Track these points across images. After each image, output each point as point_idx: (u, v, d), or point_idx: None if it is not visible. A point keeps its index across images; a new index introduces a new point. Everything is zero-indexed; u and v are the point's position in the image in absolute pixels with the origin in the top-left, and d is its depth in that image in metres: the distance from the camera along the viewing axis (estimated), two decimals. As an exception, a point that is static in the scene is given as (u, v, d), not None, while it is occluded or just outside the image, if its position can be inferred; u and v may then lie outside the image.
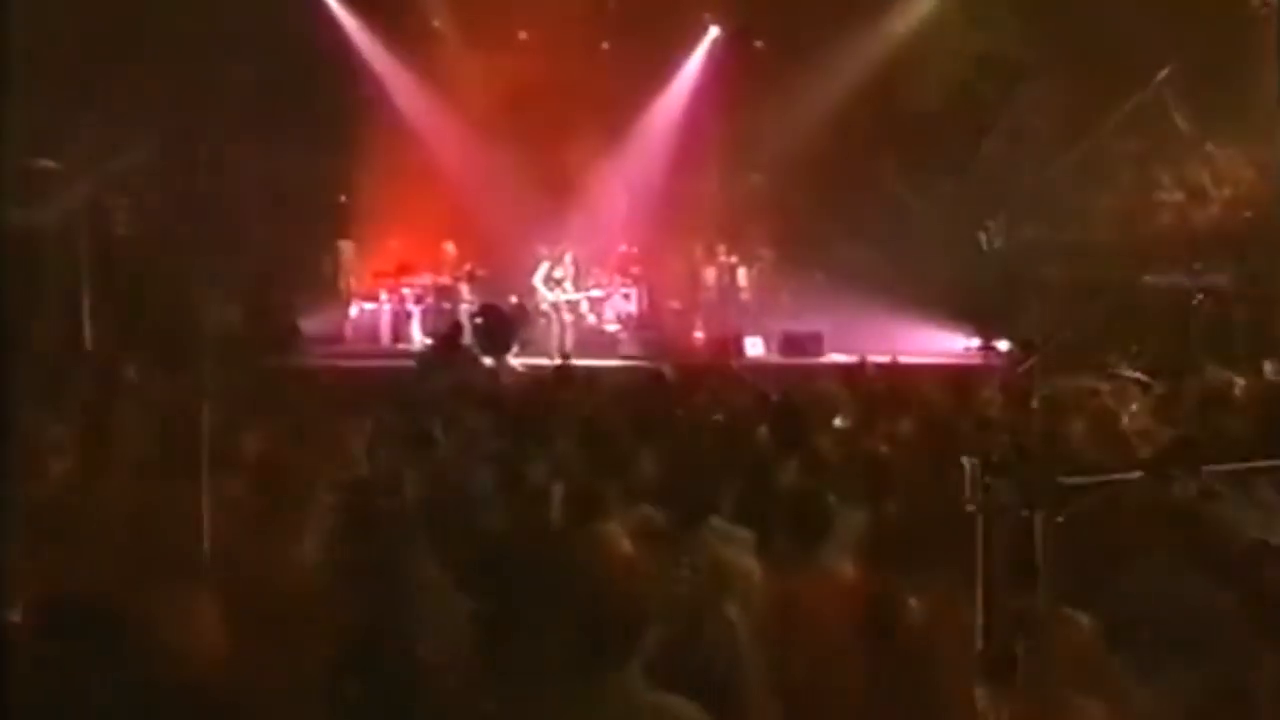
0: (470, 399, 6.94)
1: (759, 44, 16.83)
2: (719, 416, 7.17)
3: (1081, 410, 6.92)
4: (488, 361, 10.78)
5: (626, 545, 3.47)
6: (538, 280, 13.89)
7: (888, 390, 7.41)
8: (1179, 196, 16.10)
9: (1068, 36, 15.07)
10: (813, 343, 14.08)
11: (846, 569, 3.71)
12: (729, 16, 16.76)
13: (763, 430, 6.30)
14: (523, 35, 16.17)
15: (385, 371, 9.37)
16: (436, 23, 16.13)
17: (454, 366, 9.10)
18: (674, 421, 6.26)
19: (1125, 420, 6.54)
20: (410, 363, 10.58)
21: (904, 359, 13.06)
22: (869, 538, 3.93)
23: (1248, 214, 15.04)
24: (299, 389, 7.17)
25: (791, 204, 16.73)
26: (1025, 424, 5.67)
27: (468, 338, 11.85)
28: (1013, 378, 10.52)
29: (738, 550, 3.65)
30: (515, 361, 11.73)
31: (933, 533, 3.62)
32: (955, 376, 10.22)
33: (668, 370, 9.69)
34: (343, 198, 15.70)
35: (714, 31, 16.94)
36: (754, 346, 14.34)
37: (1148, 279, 14.56)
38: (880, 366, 10.86)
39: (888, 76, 15.66)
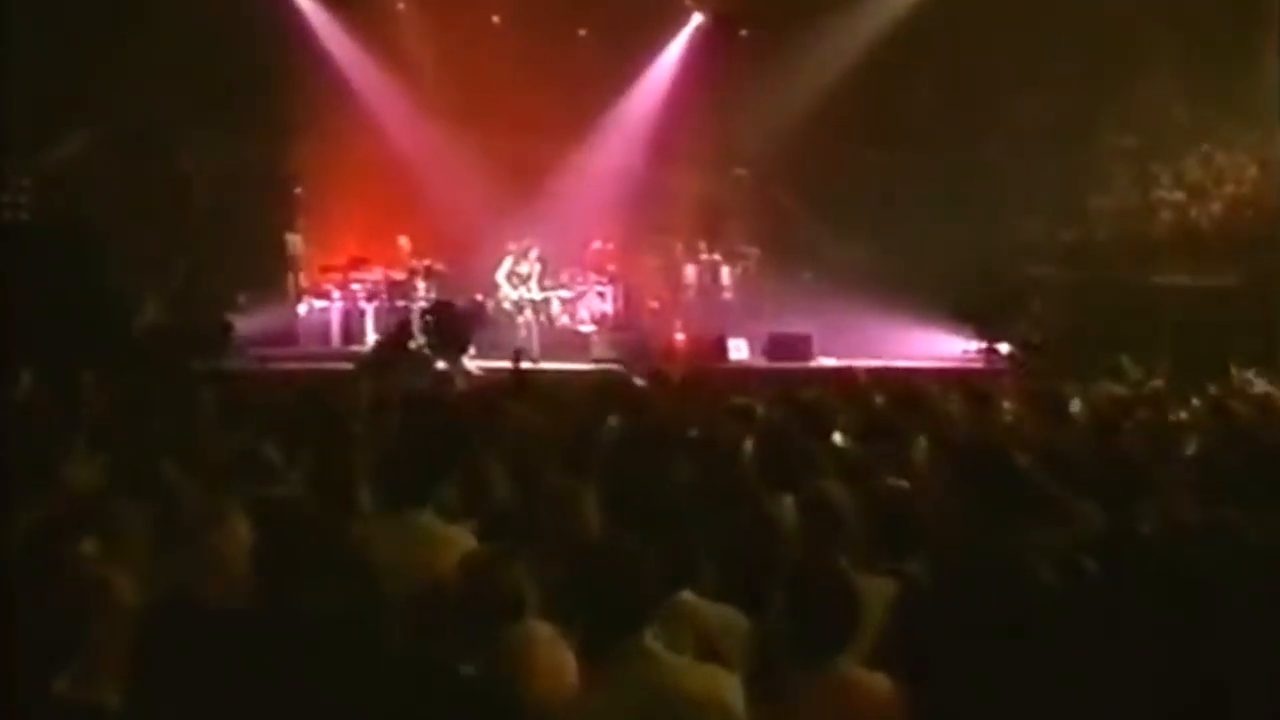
0: (391, 410, 5.52)
1: (744, 33, 15.67)
2: (694, 432, 5.81)
3: (1138, 425, 5.61)
4: (441, 365, 9.36)
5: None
6: (500, 276, 12.36)
7: (893, 401, 6.00)
8: (1179, 195, 15.18)
9: (1066, 29, 14.18)
10: (801, 345, 12.72)
11: (880, 689, 2.30)
12: (712, 1, 15.55)
13: (748, 451, 4.96)
14: (495, 19, 14.99)
15: (319, 376, 7.96)
16: (401, 4, 14.77)
17: (397, 371, 7.66)
18: (637, 442, 4.83)
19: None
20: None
21: (901, 363, 11.89)
22: (903, 628, 2.54)
23: (1250, 213, 14.31)
24: (192, 398, 5.72)
25: (777, 200, 15.58)
26: (1075, 446, 4.27)
27: (419, 338, 10.40)
28: (1024, 382, 9.36)
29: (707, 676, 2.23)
30: (473, 364, 10.25)
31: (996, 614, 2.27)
32: (963, 382, 8.91)
33: (639, 378, 8.28)
34: (298, 190, 14.29)
35: (697, 18, 15.65)
36: (738, 349, 12.93)
37: (1155, 280, 13.66)
38: (878, 372, 9.51)
39: (879, 68, 14.57)
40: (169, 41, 12.72)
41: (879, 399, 6.57)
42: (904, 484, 3.62)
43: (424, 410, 5.37)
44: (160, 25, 12.72)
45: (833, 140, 14.85)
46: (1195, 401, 7.23)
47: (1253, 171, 14.84)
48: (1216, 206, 15.20)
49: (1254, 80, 13.85)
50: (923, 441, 4.72)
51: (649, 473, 4.19)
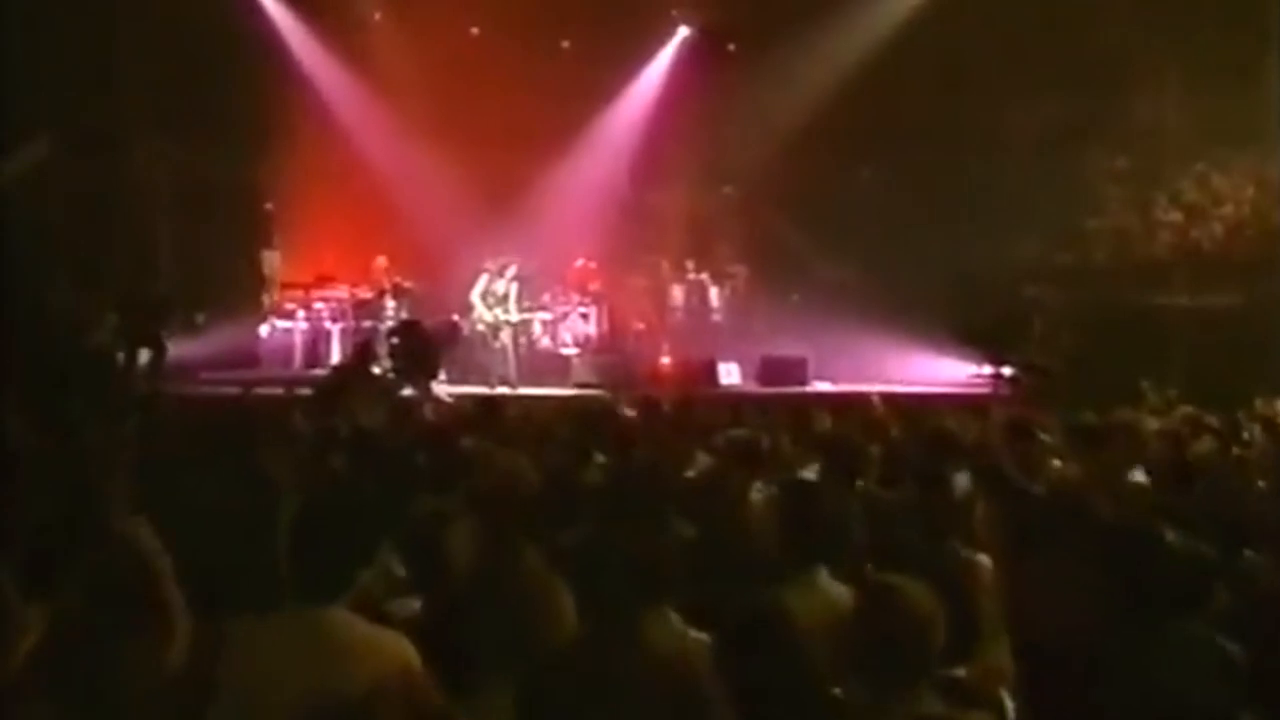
0: (336, 449, 4.53)
1: (731, 47, 14.89)
2: (691, 473, 4.85)
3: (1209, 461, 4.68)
4: (408, 391, 8.33)
5: None
6: (474, 296, 11.27)
7: (925, 437, 5.04)
8: (1176, 216, 14.47)
9: (1057, 48, 13.55)
10: (795, 369, 11.78)
11: None
12: (699, 14, 14.83)
13: (756, 500, 4.00)
14: (474, 30, 14.15)
15: (263, 404, 6.96)
16: (378, 15, 13.88)
17: (354, 399, 6.64)
18: (626, 489, 3.85)
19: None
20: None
21: (903, 388, 10.98)
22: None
23: (1250, 233, 13.71)
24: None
25: (766, 218, 14.72)
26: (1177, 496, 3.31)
27: (383, 362, 9.35)
28: (1043, 409, 8.49)
29: None
30: (444, 390, 9.21)
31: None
32: (983, 409, 8.00)
33: (626, 405, 7.31)
34: (268, 205, 13.30)
35: (683, 32, 14.87)
36: (729, 374, 11.95)
37: (1161, 300, 13.00)
38: (885, 398, 8.55)
39: (869, 84, 13.79)
40: (135, 48, 11.77)
41: (899, 431, 5.64)
42: (983, 560, 2.65)
43: (368, 451, 4.36)
44: (126, 32, 11.79)
45: (822, 158, 14.12)
46: (1246, 433, 6.32)
47: (1250, 192, 14.09)
48: (1218, 227, 14.58)
49: (1249, 100, 13.23)
50: (973, 493, 3.74)
51: (641, 529, 3.22)
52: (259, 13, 13.29)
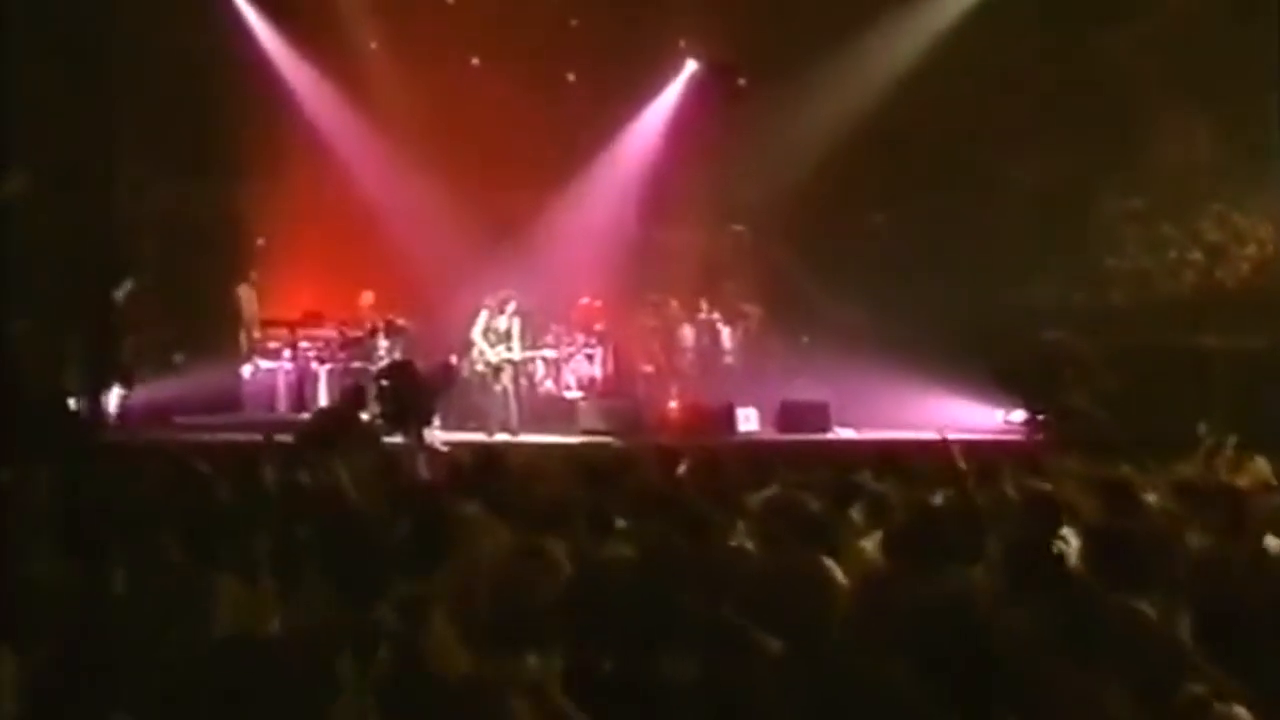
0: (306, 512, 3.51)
1: (742, 82, 14.22)
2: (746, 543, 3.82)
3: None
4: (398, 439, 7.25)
5: None
6: (475, 334, 10.16)
7: (1031, 501, 3.99)
8: (1197, 255, 13.73)
9: (1068, 89, 13.08)
10: (817, 415, 10.75)
11: None
12: (709, 47, 14.09)
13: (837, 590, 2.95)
14: (474, 60, 13.30)
15: (234, 452, 5.92)
16: (374, 43, 13.04)
17: (337, 450, 5.57)
18: (666, 579, 2.79)
19: None
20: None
21: (931, 434, 9.94)
22: None
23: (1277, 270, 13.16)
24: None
25: (778, 258, 13.86)
26: None
27: (372, 407, 8.27)
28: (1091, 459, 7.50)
29: None
30: (439, 438, 8.11)
31: None
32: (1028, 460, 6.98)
33: (637, 451, 6.29)
34: (260, 241, 12.36)
35: (691, 65, 14.15)
36: (747, 420, 10.87)
37: (1196, 341, 12.16)
38: (920, 446, 7.53)
39: (883, 122, 13.21)
40: (120, 75, 10.90)
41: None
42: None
43: (337, 521, 3.32)
44: (112, 59, 10.94)
45: (834, 198, 13.46)
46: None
47: (1269, 231, 13.41)
48: (1244, 267, 13.96)
49: (1261, 137, 12.64)
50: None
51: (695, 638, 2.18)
52: (249, 38, 12.42)
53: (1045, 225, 13.24)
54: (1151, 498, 4.65)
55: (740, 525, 4.58)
